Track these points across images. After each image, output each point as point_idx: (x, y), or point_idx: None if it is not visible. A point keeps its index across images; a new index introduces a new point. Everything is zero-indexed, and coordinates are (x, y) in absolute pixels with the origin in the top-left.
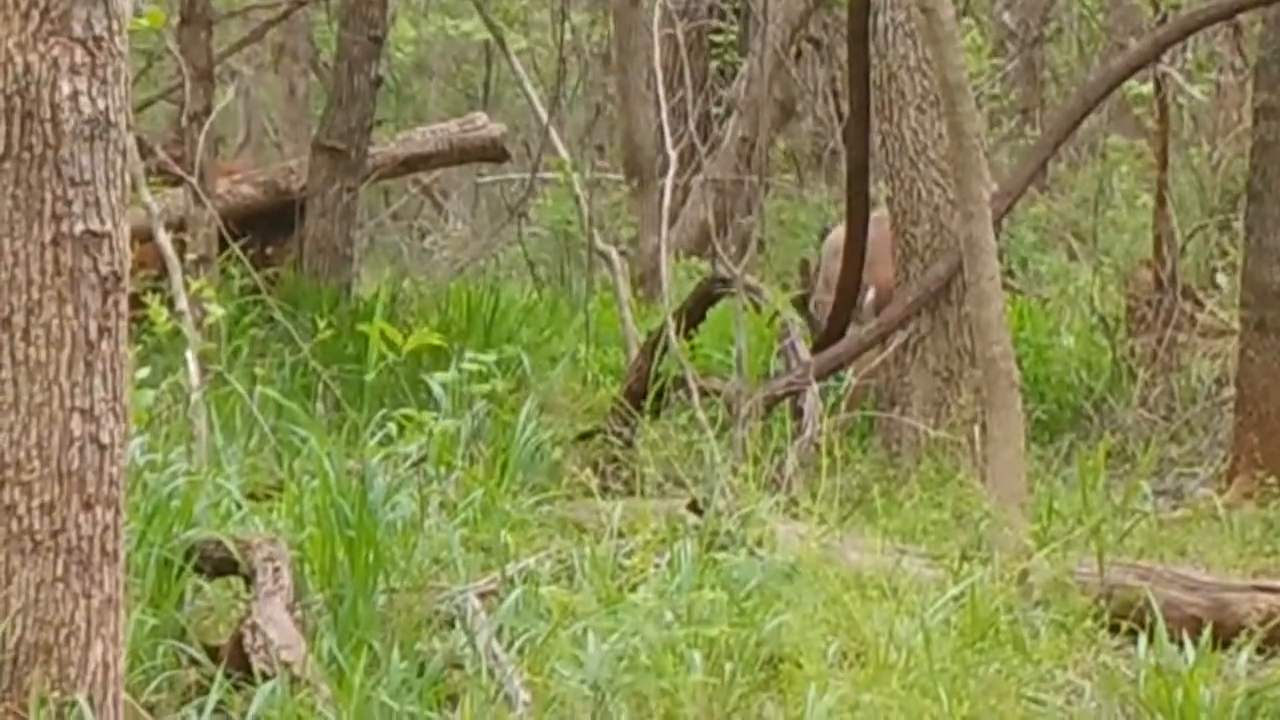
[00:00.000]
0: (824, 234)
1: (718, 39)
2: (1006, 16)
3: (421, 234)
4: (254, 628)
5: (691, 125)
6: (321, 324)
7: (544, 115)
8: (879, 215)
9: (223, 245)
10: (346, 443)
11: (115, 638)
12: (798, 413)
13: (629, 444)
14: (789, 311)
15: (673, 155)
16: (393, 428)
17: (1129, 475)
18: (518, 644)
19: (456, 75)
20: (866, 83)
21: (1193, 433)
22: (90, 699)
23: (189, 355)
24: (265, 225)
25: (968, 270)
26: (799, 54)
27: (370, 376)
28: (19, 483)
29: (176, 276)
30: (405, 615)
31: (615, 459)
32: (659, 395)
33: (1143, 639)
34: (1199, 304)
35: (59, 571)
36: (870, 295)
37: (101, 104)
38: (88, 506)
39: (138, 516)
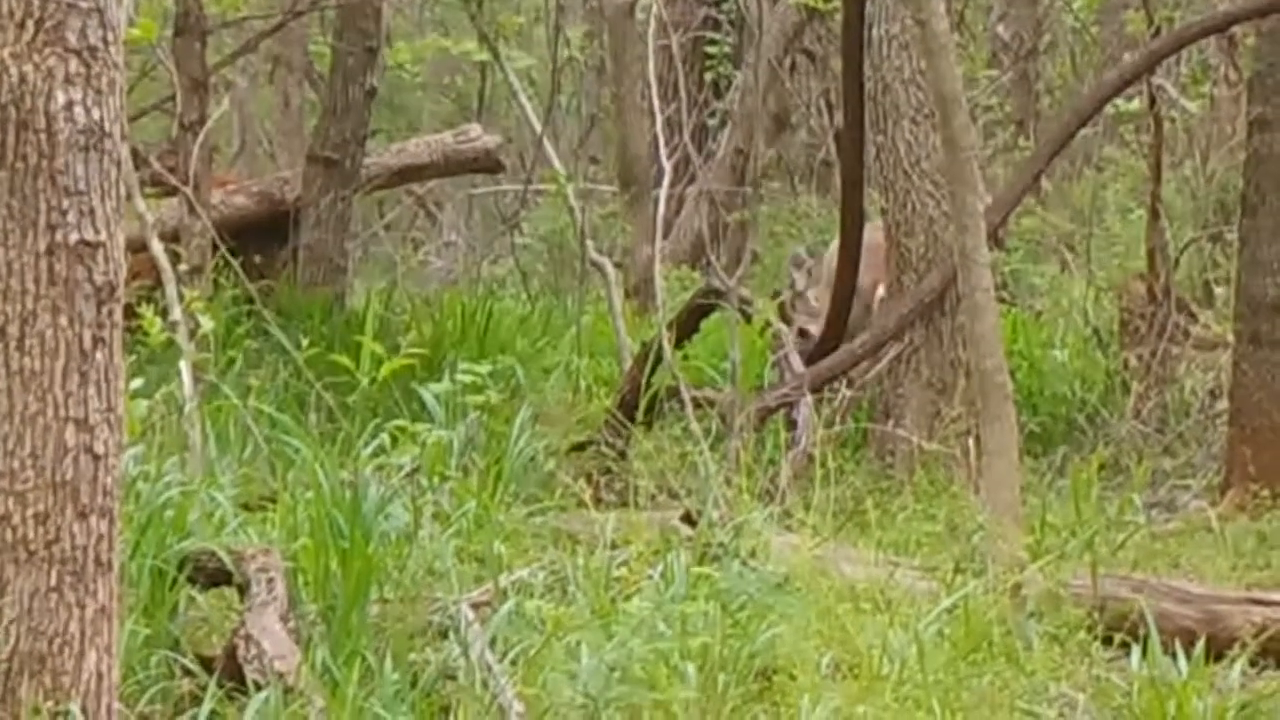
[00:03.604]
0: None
1: (712, 51)
2: (1001, 29)
3: (415, 245)
4: (248, 638)
5: (686, 136)
6: (313, 336)
7: (538, 126)
8: (877, 223)
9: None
10: (340, 453)
11: (109, 648)
12: (791, 424)
13: (622, 455)
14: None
15: (667, 166)
16: (386, 439)
17: (1122, 488)
18: (511, 655)
19: (451, 87)
20: (861, 95)
21: (1186, 445)
22: (84, 709)
23: (183, 366)
24: (259, 236)
25: (961, 282)
26: (793, 66)
27: (354, 397)
28: (13, 493)
29: (171, 287)
30: (399, 626)
31: (609, 470)
32: (652, 406)
33: (1136, 651)
34: (1193, 316)
35: (53, 581)
36: (880, 292)
37: (96, 114)
38: (82, 516)
39: (132, 527)
